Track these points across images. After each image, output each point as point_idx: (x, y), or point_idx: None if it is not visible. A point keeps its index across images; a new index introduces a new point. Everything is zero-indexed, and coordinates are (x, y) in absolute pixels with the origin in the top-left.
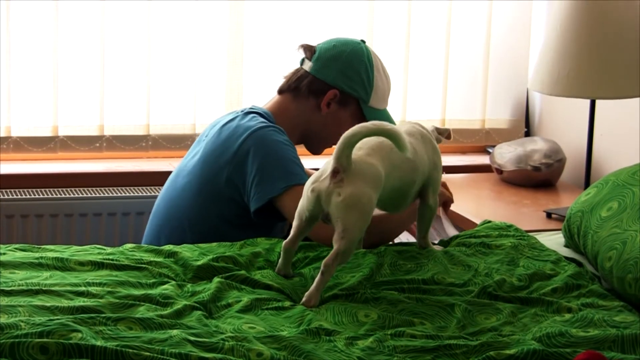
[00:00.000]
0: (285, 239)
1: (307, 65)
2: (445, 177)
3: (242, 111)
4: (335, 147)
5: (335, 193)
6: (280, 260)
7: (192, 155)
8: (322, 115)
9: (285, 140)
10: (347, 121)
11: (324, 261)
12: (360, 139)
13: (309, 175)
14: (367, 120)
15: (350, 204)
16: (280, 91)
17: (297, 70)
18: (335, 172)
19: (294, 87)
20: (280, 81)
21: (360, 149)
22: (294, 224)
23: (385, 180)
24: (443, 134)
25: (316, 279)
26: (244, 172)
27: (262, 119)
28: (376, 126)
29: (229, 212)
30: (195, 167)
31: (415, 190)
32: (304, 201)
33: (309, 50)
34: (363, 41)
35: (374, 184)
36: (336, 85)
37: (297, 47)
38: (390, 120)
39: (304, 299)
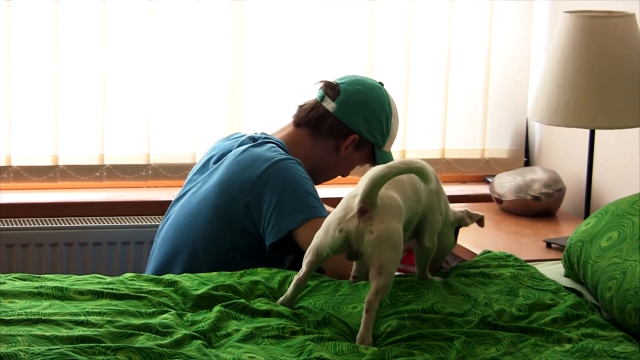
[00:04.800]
0: (289, 269)
1: (330, 105)
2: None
3: (253, 137)
4: (363, 186)
5: (367, 232)
6: (288, 293)
7: (205, 181)
8: (338, 156)
9: (304, 173)
10: (357, 162)
11: (366, 299)
12: (390, 179)
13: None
14: (377, 162)
15: (383, 240)
16: (298, 124)
17: (316, 106)
18: (363, 211)
19: (313, 124)
20: (281, 110)
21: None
22: (308, 259)
23: None
24: (474, 218)
25: (363, 318)
26: (261, 203)
27: (281, 150)
28: (405, 165)
29: (242, 240)
30: (210, 192)
31: (413, 226)
32: (326, 240)
33: (331, 89)
34: (381, 84)
35: (399, 217)
36: (358, 131)
37: (317, 82)
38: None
39: (357, 341)
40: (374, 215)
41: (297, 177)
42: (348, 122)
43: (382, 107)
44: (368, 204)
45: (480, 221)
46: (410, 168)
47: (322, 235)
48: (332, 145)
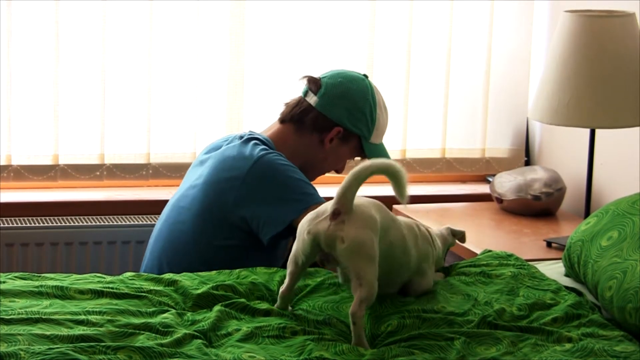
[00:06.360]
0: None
1: (312, 99)
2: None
3: (240, 136)
4: (340, 185)
5: (339, 238)
6: (278, 303)
7: (193, 180)
8: (324, 150)
9: (289, 163)
10: (346, 156)
11: (350, 311)
12: (369, 175)
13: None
14: (366, 155)
15: (355, 249)
16: (283, 121)
17: (300, 102)
18: (336, 214)
19: (297, 120)
20: (281, 109)
21: (358, 198)
22: (289, 270)
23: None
24: (457, 235)
25: (352, 329)
26: (252, 198)
27: (263, 146)
28: (386, 164)
29: (232, 235)
30: (198, 192)
31: (402, 281)
32: (298, 245)
33: (313, 83)
34: (366, 76)
35: (374, 228)
36: (341, 123)
37: (301, 77)
38: (386, 154)
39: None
40: (347, 219)
41: (284, 168)
42: (330, 114)
43: (365, 98)
44: (342, 206)
45: (462, 238)
46: (388, 167)
47: (296, 242)
48: (316, 139)
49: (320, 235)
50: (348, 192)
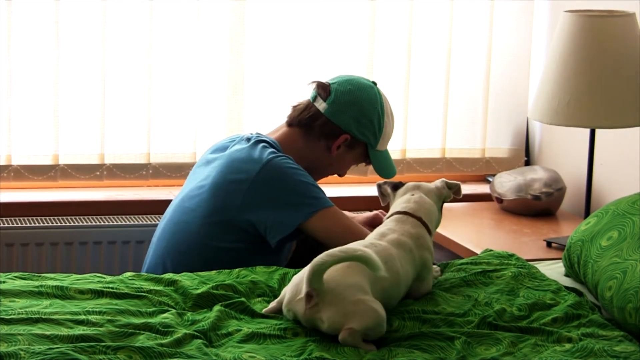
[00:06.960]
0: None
1: (321, 106)
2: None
3: (248, 138)
4: (306, 272)
5: (317, 320)
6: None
7: (200, 180)
8: (330, 156)
9: (297, 166)
10: (351, 162)
11: (339, 338)
12: (329, 267)
13: None
14: (370, 161)
15: (339, 324)
16: (290, 124)
17: (308, 106)
18: (309, 296)
19: (305, 124)
20: (281, 109)
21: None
22: (280, 298)
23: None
24: (452, 188)
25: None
26: (261, 202)
27: (272, 149)
28: (345, 253)
29: (238, 238)
30: (205, 194)
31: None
32: (281, 304)
33: (323, 89)
34: (374, 83)
35: (354, 294)
36: (349, 130)
37: (310, 82)
38: (390, 160)
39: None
40: (321, 301)
41: (293, 172)
42: (338, 121)
43: (373, 106)
44: (312, 289)
45: (457, 191)
46: (350, 256)
47: (283, 294)
48: (323, 145)
49: (299, 316)
50: (313, 279)
